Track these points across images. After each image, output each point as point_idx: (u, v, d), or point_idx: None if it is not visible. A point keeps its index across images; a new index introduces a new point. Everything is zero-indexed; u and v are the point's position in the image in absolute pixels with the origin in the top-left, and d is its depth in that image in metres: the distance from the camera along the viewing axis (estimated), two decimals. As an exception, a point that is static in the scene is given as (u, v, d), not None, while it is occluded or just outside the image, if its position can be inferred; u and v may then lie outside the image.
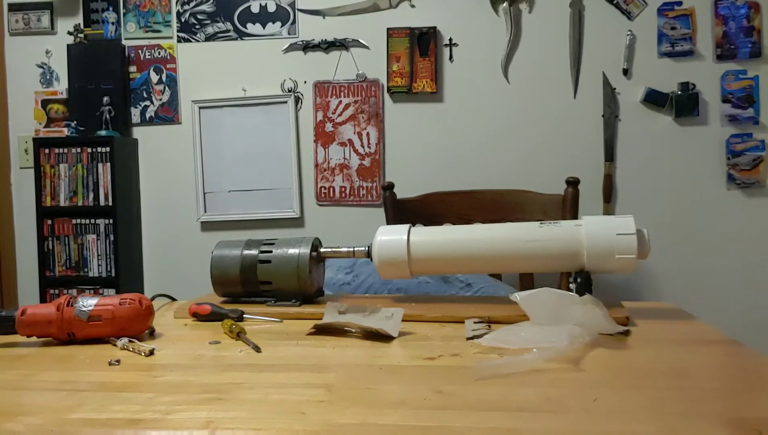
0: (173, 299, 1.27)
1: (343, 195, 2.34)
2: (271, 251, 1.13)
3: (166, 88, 2.41)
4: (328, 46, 2.32)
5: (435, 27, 2.27)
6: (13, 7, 2.45)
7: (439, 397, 0.66)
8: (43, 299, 2.29)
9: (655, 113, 2.21)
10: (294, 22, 2.35)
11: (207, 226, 2.41)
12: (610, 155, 2.23)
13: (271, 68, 2.36)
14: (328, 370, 0.76)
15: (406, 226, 1.12)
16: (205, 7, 2.38)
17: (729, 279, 2.19)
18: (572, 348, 0.80)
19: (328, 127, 2.34)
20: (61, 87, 2.43)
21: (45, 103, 2.44)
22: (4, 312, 0.91)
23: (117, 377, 0.76)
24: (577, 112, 2.24)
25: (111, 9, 2.41)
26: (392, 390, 0.69)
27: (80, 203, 2.28)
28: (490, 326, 0.95)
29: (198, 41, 2.39)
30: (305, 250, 1.11)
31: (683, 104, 2.17)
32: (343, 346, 0.88)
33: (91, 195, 2.27)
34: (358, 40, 2.31)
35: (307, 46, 2.34)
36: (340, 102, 2.33)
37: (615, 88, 2.22)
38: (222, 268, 1.14)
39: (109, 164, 2.26)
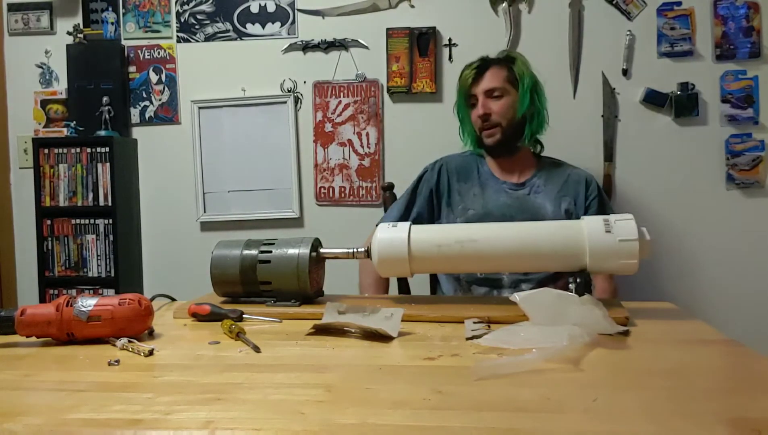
0: (173, 299, 1.27)
1: (343, 195, 2.34)
2: (271, 251, 1.13)
3: (166, 88, 2.41)
4: (328, 46, 2.32)
5: (434, 27, 2.27)
6: (12, 7, 2.45)
7: (439, 397, 0.66)
8: (42, 299, 2.29)
9: (654, 113, 2.21)
10: (293, 22, 2.35)
11: (207, 226, 2.41)
12: (609, 155, 2.23)
13: (270, 68, 2.36)
14: (327, 370, 0.76)
15: (406, 224, 1.12)
16: (204, 8, 2.38)
17: (728, 279, 2.19)
18: (572, 348, 0.80)
19: (328, 127, 2.34)
20: (61, 87, 2.43)
21: (44, 103, 2.44)
22: (3, 312, 0.91)
23: (117, 377, 0.76)
24: (576, 113, 2.24)
25: (110, 9, 2.41)
26: (392, 390, 0.69)
27: (80, 203, 2.27)
28: (489, 326, 0.95)
29: (197, 41, 2.39)
30: (305, 251, 1.11)
31: (683, 104, 2.17)
32: (342, 347, 0.88)
33: (91, 195, 2.27)
34: (357, 41, 2.31)
35: (307, 47, 2.33)
36: (340, 102, 2.33)
37: (614, 89, 2.22)
38: (222, 268, 1.14)
39: (108, 164, 2.26)
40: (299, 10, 2.34)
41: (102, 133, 2.29)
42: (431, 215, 1.79)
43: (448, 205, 1.77)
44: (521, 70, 1.74)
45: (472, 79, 1.75)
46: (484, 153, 1.80)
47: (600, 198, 1.74)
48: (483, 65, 1.76)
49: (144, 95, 2.42)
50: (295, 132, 2.35)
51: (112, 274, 2.27)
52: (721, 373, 0.78)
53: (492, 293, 1.65)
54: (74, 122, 2.30)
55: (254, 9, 2.36)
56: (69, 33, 2.37)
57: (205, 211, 2.39)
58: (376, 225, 1.78)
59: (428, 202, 1.79)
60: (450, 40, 2.28)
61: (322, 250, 1.16)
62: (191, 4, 2.38)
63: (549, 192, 1.72)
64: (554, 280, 1.62)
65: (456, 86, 1.85)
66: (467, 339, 0.90)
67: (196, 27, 2.38)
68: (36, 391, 0.72)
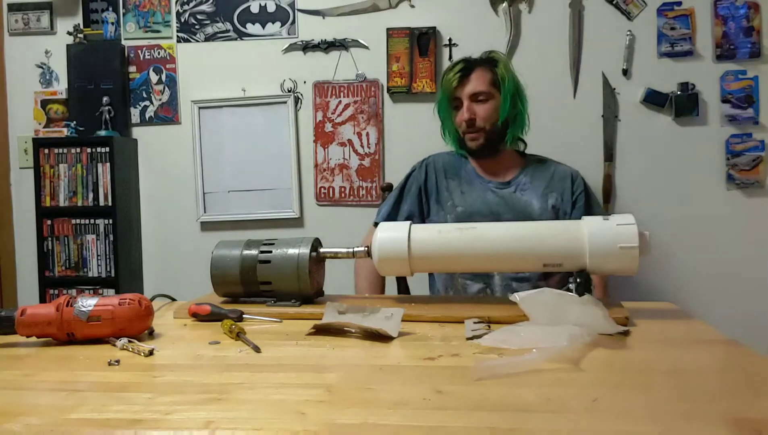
0: (173, 299, 1.27)
1: (343, 195, 2.34)
2: (271, 251, 1.13)
3: (166, 88, 2.41)
4: (328, 46, 2.32)
5: (435, 27, 2.27)
6: (12, 7, 2.45)
7: (439, 397, 0.66)
8: (42, 299, 2.29)
9: (654, 113, 2.21)
10: (294, 22, 2.35)
11: (207, 226, 2.41)
12: (609, 155, 2.23)
13: (270, 68, 2.36)
14: (328, 370, 0.76)
15: (406, 224, 1.12)
16: (204, 8, 2.38)
17: (729, 279, 2.19)
18: (572, 348, 0.80)
19: (328, 127, 2.34)
20: (61, 87, 2.43)
21: (44, 104, 2.44)
22: (3, 312, 0.91)
23: (117, 377, 0.76)
24: (576, 113, 2.24)
25: (110, 9, 2.41)
26: (392, 390, 0.69)
27: (80, 203, 2.27)
28: (489, 326, 0.95)
29: (198, 41, 2.39)
30: (305, 251, 1.11)
31: (683, 104, 2.17)
32: (342, 347, 0.88)
33: (91, 195, 2.27)
34: (357, 41, 2.31)
35: (307, 47, 2.33)
36: (340, 102, 2.33)
37: (615, 89, 2.22)
38: (222, 268, 1.14)
39: (108, 164, 2.26)
40: (299, 10, 2.34)
41: (102, 133, 2.29)
42: (421, 214, 1.79)
43: (437, 202, 1.77)
44: (503, 74, 1.72)
45: (457, 82, 1.73)
46: (467, 154, 1.80)
47: (586, 192, 1.75)
48: (467, 67, 1.75)
49: (144, 95, 2.42)
50: (295, 132, 2.35)
51: (112, 274, 2.27)
52: (721, 373, 0.78)
53: (485, 291, 1.66)
54: (74, 122, 2.30)
55: (254, 9, 2.36)
56: (69, 33, 2.37)
57: (205, 211, 2.39)
58: (374, 224, 1.79)
59: (418, 200, 1.79)
60: (450, 40, 2.28)
61: (322, 250, 1.16)
62: (191, 4, 2.38)
63: (535, 189, 1.72)
64: (545, 277, 1.62)
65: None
66: (467, 339, 0.90)
67: (196, 27, 2.38)
68: (36, 391, 0.72)
